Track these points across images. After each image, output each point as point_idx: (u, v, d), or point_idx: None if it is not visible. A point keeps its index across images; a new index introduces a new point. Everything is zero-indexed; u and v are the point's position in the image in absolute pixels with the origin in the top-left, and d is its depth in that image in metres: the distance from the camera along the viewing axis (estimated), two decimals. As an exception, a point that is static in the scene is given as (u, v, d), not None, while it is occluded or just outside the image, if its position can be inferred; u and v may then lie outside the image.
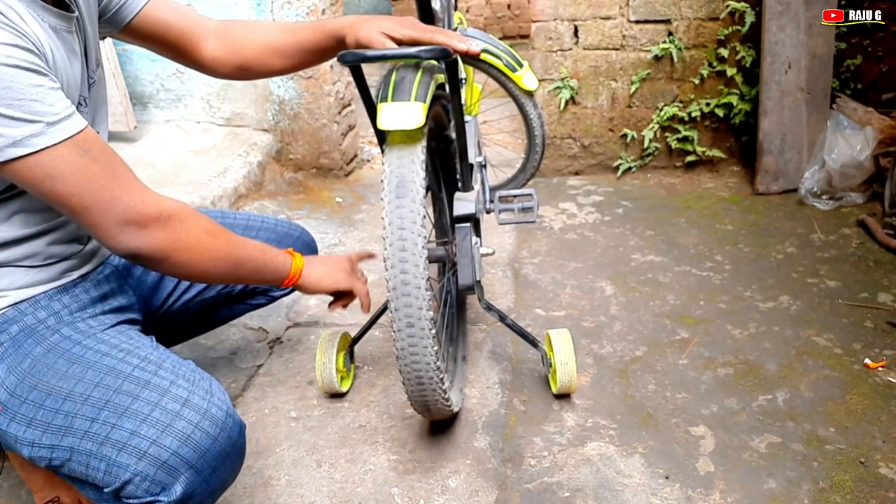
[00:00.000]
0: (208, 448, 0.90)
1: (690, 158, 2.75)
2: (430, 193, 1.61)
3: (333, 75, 2.75)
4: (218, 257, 1.01)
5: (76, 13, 0.97)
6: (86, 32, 1.04)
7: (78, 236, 1.07)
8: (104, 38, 1.20)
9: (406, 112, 1.09)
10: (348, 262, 1.29)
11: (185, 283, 1.32)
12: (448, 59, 1.10)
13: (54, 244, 1.03)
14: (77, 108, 0.98)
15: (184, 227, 0.97)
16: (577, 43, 2.66)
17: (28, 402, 0.93)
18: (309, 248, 1.50)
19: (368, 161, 3.17)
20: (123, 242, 0.92)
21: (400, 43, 1.12)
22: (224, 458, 0.93)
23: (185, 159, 2.62)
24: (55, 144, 0.85)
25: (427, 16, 1.36)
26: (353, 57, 1.07)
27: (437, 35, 1.12)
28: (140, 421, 0.88)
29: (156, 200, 0.95)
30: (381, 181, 1.13)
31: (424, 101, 1.10)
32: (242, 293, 1.42)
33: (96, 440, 0.88)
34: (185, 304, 1.33)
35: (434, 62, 1.18)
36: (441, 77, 1.22)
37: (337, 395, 1.60)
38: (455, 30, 1.79)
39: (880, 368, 1.58)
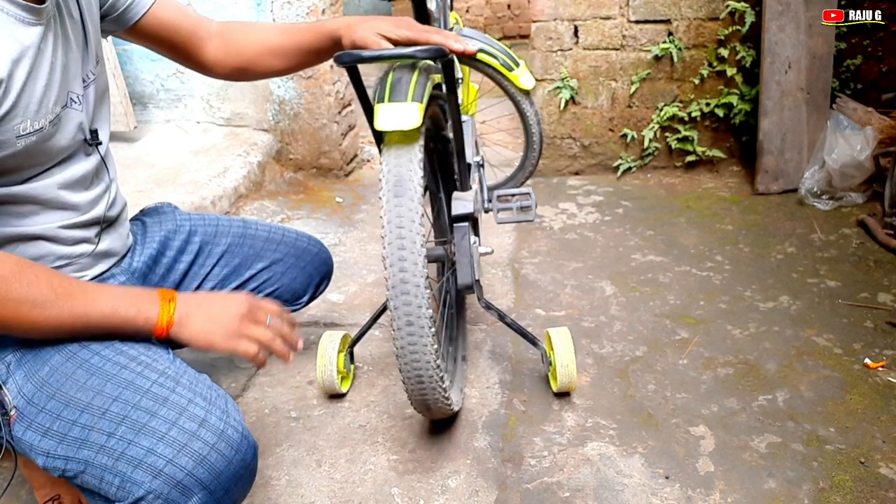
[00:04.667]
0: (223, 470, 0.90)
1: (690, 158, 2.75)
2: (428, 193, 1.61)
3: (333, 75, 2.75)
4: (45, 329, 0.91)
5: (46, 4, 0.93)
6: (85, 28, 1.03)
7: (87, 237, 1.07)
8: (107, 36, 1.20)
9: (403, 112, 1.09)
10: (239, 319, 1.01)
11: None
12: (444, 58, 1.10)
13: (62, 244, 1.03)
14: (65, 107, 0.97)
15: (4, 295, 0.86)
16: (577, 43, 2.66)
17: (45, 412, 0.93)
18: (325, 265, 1.50)
19: (368, 161, 3.17)
20: None
21: (396, 43, 1.12)
22: (237, 479, 0.93)
23: (185, 159, 2.63)
24: None
25: (423, 16, 1.36)
26: (349, 58, 1.07)
27: (433, 35, 1.12)
28: (157, 439, 0.88)
29: None
30: (380, 181, 1.13)
31: (421, 102, 1.10)
32: None
33: (112, 455, 0.88)
34: None
35: (430, 62, 1.18)
36: (438, 77, 1.22)
37: (337, 395, 1.60)
38: (451, 30, 1.79)
39: (880, 368, 1.58)
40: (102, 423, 0.90)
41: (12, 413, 0.95)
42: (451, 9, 1.81)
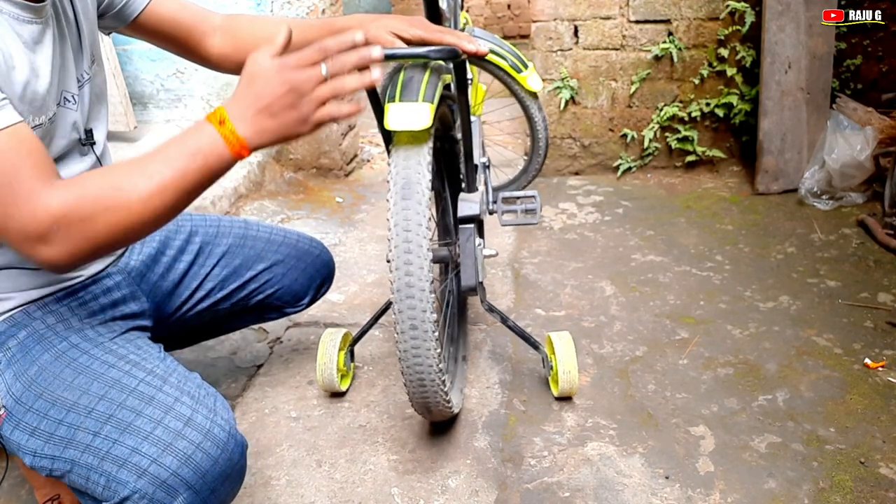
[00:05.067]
0: (208, 469, 0.89)
1: (690, 158, 2.75)
2: (433, 193, 1.61)
3: (333, 75, 2.75)
4: (145, 214, 0.84)
5: (44, 3, 0.93)
6: (80, 28, 1.03)
7: None
8: (109, 32, 1.20)
9: (414, 112, 1.09)
10: (299, 95, 0.86)
11: (200, 293, 1.32)
12: (457, 59, 1.10)
13: None
14: (59, 106, 0.96)
15: (89, 219, 0.81)
16: (577, 43, 2.66)
17: (32, 411, 0.93)
18: (326, 267, 1.51)
19: (368, 161, 3.17)
20: (45, 260, 0.81)
21: (409, 43, 1.11)
22: (224, 479, 0.92)
23: (185, 159, 2.62)
24: None
25: (435, 15, 1.36)
26: None
27: (446, 35, 1.11)
28: (142, 438, 0.88)
29: (44, 210, 0.79)
30: (388, 181, 1.12)
31: (432, 102, 1.10)
32: (258, 306, 1.42)
33: (97, 455, 0.88)
34: (199, 312, 1.32)
35: (441, 62, 1.18)
36: (448, 77, 1.22)
37: (337, 395, 1.60)
38: (462, 30, 1.79)
39: (880, 368, 1.58)
40: (88, 423, 0.90)
41: (1, 413, 0.95)
42: (462, 9, 1.81)
